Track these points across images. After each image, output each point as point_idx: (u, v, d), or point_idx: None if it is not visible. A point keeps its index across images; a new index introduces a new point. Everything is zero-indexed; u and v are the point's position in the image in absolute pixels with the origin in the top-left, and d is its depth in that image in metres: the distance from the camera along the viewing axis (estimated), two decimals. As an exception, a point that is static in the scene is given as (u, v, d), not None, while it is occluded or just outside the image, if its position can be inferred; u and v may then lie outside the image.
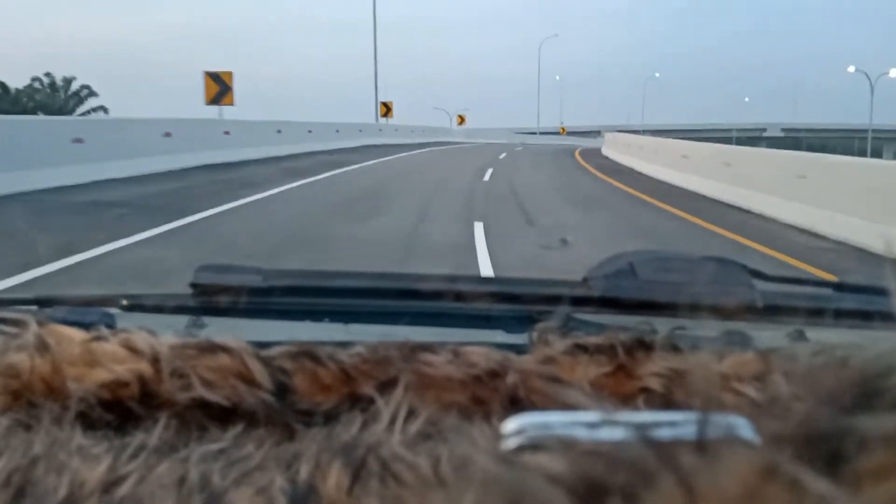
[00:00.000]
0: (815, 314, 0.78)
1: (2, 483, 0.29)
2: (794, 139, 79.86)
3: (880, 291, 0.82)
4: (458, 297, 0.84)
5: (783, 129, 79.89)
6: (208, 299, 0.84)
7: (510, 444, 0.28)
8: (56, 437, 0.33)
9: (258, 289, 0.86)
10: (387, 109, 35.72)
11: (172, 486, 0.29)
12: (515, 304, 0.86)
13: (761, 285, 0.84)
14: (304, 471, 0.30)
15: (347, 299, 0.91)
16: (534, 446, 0.26)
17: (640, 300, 0.80)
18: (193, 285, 0.84)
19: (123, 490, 0.29)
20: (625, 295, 0.81)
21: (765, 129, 79.77)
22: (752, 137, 74.78)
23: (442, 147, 28.92)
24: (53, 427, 0.35)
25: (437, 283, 0.89)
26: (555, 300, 0.78)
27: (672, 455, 0.21)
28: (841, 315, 0.77)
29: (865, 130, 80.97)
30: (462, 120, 49.95)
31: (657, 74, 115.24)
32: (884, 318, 0.71)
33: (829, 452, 0.22)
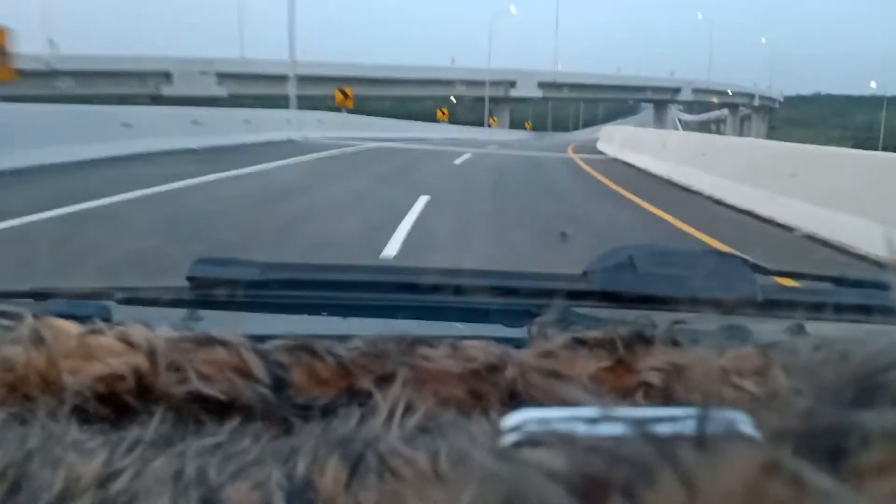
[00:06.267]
0: (816, 308, 0.78)
1: None
2: (550, 99, 57.73)
3: (881, 286, 0.82)
4: (457, 290, 0.84)
5: (540, 85, 56.52)
6: (205, 292, 0.83)
7: (509, 439, 0.28)
8: (51, 432, 0.33)
9: (255, 282, 0.85)
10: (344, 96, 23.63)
11: (169, 480, 0.29)
12: (514, 298, 0.86)
13: (761, 279, 0.84)
14: (301, 465, 0.29)
15: (345, 293, 0.91)
16: (532, 442, 0.26)
17: (639, 294, 0.80)
18: (190, 278, 0.84)
19: (119, 485, 0.28)
20: (624, 289, 0.81)
21: (514, 83, 55.24)
22: (497, 98, 52.93)
23: None
24: (49, 421, 0.34)
25: (435, 277, 0.89)
26: (554, 294, 0.78)
27: (672, 451, 0.21)
28: (841, 309, 0.77)
29: (643, 88, 64.56)
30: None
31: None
32: (884, 312, 0.71)
33: (831, 448, 0.21)
